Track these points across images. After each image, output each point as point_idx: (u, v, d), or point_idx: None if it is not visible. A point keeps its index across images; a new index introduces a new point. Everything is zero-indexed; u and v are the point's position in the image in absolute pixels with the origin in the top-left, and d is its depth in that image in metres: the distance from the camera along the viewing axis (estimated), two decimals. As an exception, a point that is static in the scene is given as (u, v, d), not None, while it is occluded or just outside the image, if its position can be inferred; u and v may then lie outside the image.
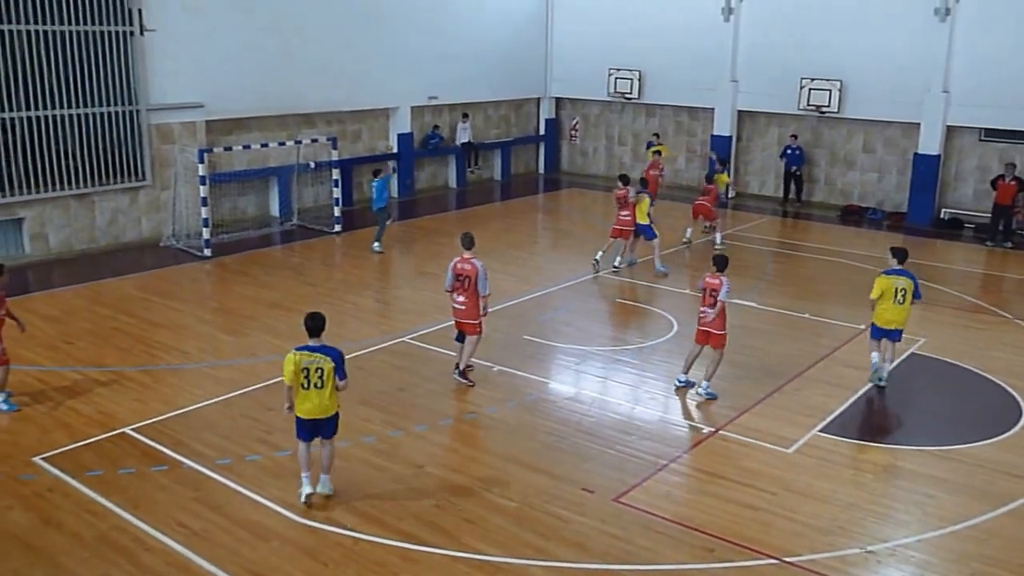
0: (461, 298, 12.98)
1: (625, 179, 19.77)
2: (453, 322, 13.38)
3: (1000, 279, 20.55)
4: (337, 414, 9.81)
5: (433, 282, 18.55)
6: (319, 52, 24.21)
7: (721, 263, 12.67)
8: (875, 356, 13.43)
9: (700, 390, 12.83)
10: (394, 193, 21.44)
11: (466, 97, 29.46)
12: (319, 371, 9.48)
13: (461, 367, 13.25)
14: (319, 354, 9.50)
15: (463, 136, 29.37)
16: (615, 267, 19.56)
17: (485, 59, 29.42)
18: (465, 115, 29.41)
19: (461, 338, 13.26)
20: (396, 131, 27.29)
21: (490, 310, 13.40)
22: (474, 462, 10.97)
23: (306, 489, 9.83)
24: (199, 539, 9.14)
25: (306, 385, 9.53)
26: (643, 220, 19.23)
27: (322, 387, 9.54)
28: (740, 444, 11.51)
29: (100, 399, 12.47)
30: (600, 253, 19.52)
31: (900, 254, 13.29)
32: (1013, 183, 22.79)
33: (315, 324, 9.63)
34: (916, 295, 13.15)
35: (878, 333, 13.39)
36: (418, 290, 18.23)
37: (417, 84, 27.34)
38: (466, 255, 12.88)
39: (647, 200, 19.38)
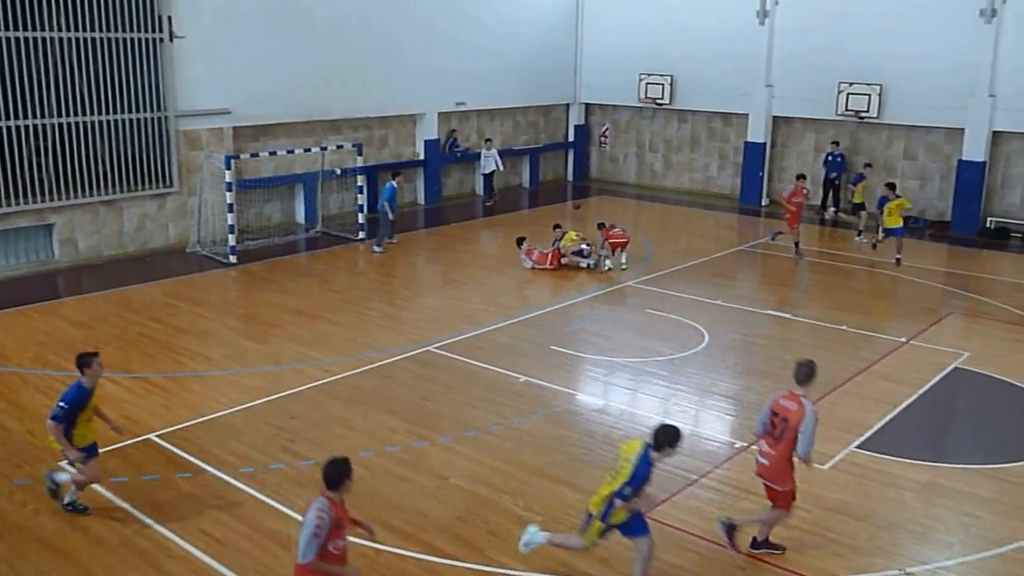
0: (768, 448, 9.03)
1: (521, 240, 20.47)
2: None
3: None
4: None
5: (459, 291, 18.42)
6: (346, 58, 24.15)
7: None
8: None
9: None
10: (392, 202, 21.83)
11: (495, 103, 29.28)
12: None
13: (758, 537, 9.28)
14: None
15: (488, 165, 27.82)
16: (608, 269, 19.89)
17: (514, 64, 29.24)
18: (488, 140, 28.51)
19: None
20: (423, 137, 27.14)
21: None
22: (499, 474, 10.75)
23: None
24: (221, 547, 9.09)
25: None
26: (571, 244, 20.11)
27: None
28: (773, 458, 11.18)
29: (126, 405, 12.40)
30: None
31: None
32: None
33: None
34: None
35: None
36: (444, 299, 18.02)
37: (445, 90, 27.17)
38: (797, 391, 8.93)
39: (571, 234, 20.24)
